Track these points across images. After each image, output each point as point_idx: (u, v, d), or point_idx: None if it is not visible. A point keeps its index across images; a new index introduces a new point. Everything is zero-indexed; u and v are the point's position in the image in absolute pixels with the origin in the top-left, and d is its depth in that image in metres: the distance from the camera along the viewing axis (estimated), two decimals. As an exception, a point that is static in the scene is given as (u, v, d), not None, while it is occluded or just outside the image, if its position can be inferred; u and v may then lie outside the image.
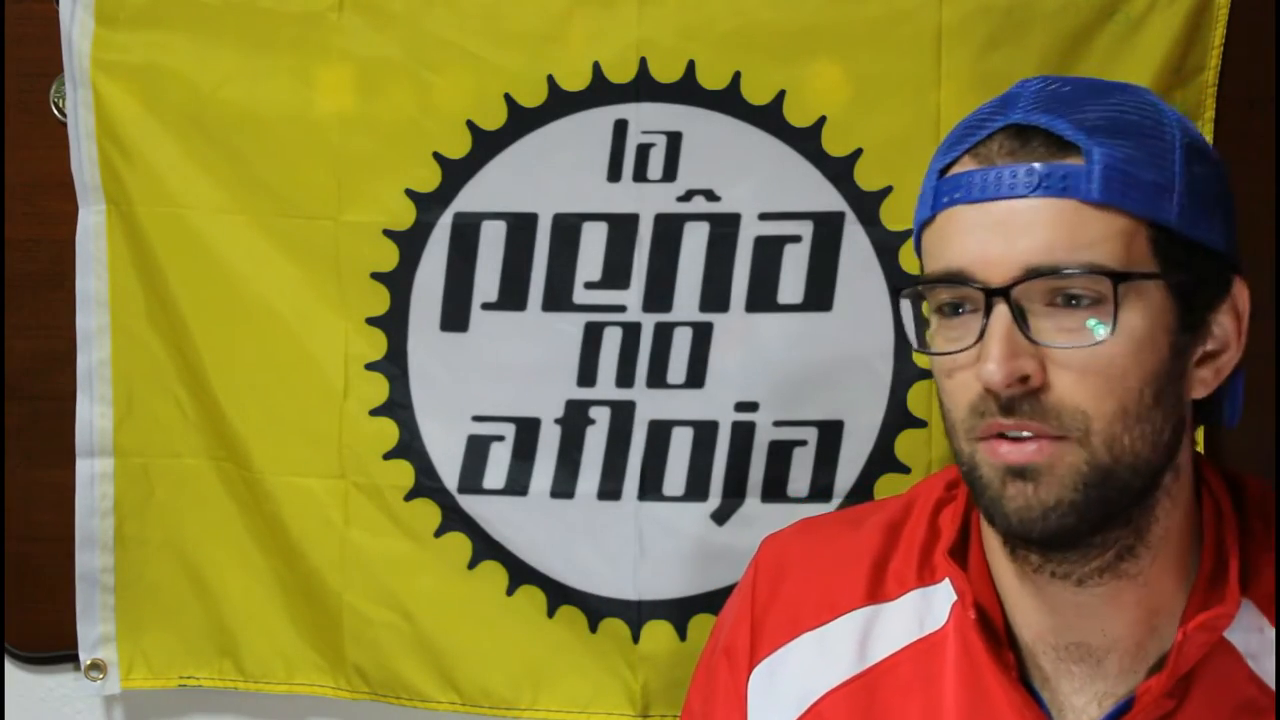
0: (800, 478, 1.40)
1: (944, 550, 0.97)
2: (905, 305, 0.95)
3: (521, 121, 1.40)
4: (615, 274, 1.41)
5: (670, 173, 1.39)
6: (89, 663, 1.51)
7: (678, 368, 1.41)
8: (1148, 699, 0.89)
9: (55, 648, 1.55)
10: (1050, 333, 0.85)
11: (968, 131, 0.93)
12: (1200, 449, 1.25)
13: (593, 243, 1.41)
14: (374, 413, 1.45)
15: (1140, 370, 0.86)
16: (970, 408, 0.88)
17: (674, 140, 1.39)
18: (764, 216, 1.39)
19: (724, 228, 1.39)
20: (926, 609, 0.98)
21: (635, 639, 1.43)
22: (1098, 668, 0.92)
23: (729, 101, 1.38)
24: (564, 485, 1.43)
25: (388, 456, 1.46)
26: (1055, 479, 0.85)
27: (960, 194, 0.89)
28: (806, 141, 1.37)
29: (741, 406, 1.41)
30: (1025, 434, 0.85)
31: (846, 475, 1.40)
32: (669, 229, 1.40)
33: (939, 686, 0.96)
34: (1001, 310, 0.85)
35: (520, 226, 1.41)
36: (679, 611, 1.43)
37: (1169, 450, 0.89)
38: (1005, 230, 0.86)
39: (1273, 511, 0.96)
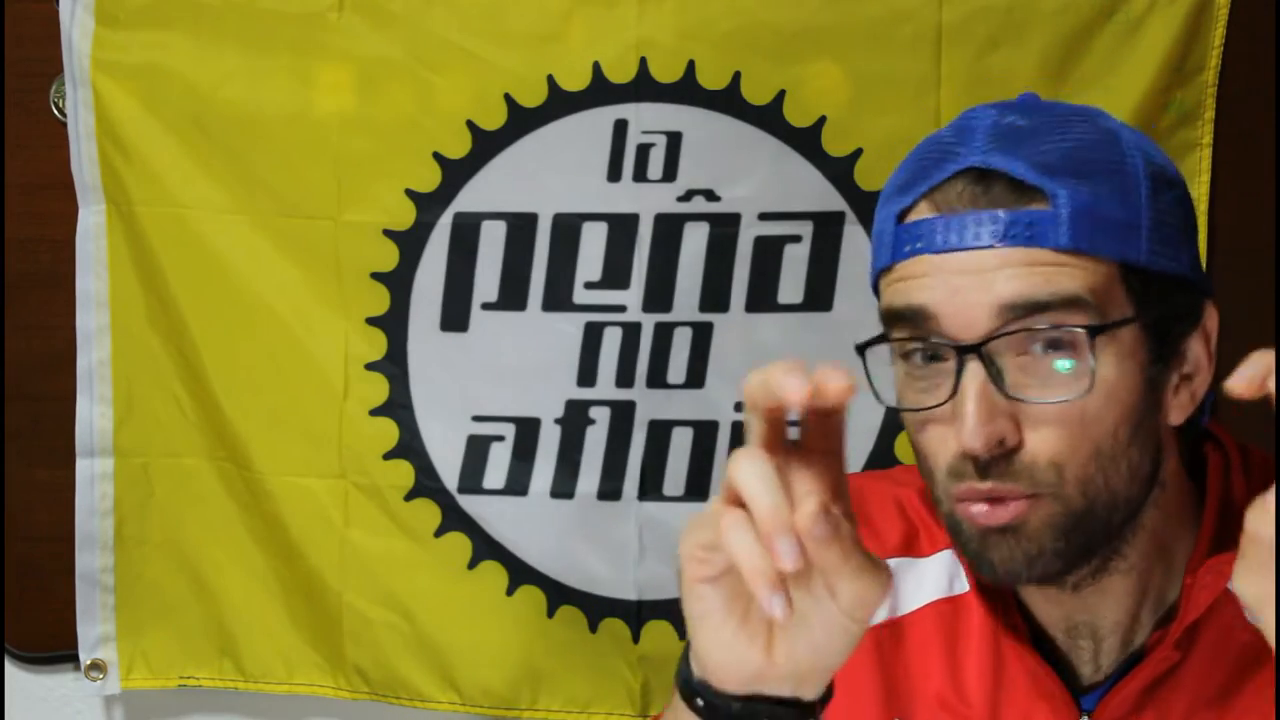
0: (800, 478, 1.40)
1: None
2: (871, 359, 0.91)
3: (521, 121, 1.40)
4: (615, 274, 1.41)
5: (670, 173, 1.39)
6: (89, 663, 1.51)
7: (678, 368, 1.41)
8: (1156, 648, 0.90)
9: (55, 648, 1.55)
10: (1024, 387, 0.83)
11: (921, 171, 0.89)
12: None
13: (593, 243, 1.41)
14: (374, 413, 1.45)
15: (1113, 414, 0.84)
16: (948, 469, 0.86)
17: (674, 140, 1.39)
18: (764, 216, 1.39)
19: (724, 228, 1.39)
20: (956, 570, 0.99)
21: (635, 639, 1.43)
22: (1102, 644, 0.94)
23: (729, 101, 1.38)
24: (564, 485, 1.43)
25: (388, 456, 1.46)
26: (1034, 533, 0.84)
27: (923, 244, 0.86)
28: (806, 141, 1.37)
29: (742, 406, 1.40)
30: (997, 495, 0.84)
31: (846, 475, 1.40)
32: (669, 229, 1.40)
33: (963, 644, 0.97)
34: (975, 368, 0.83)
35: (520, 226, 1.41)
36: (679, 611, 1.42)
37: (1149, 481, 0.88)
38: (974, 281, 0.84)
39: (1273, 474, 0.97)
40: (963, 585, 0.99)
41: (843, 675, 1.00)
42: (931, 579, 1.00)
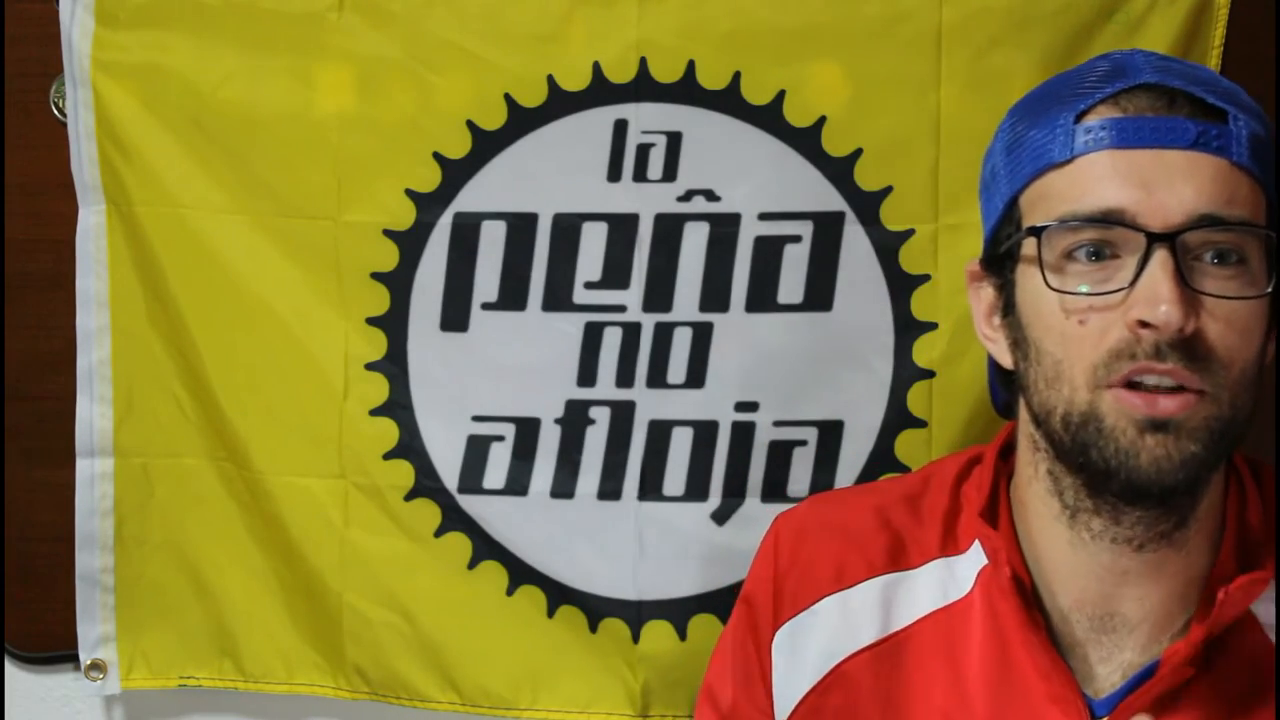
0: (800, 478, 1.40)
1: (974, 513, 0.98)
2: (1030, 243, 0.91)
3: (521, 121, 1.40)
4: (615, 274, 1.41)
5: (670, 173, 1.39)
6: (89, 663, 1.51)
7: (678, 368, 1.41)
8: (1174, 660, 0.90)
9: (55, 648, 1.55)
10: (1206, 284, 0.86)
11: (1093, 86, 0.91)
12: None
13: (593, 243, 1.41)
14: (374, 413, 1.45)
15: (1261, 335, 0.89)
16: (1111, 351, 0.87)
17: (674, 140, 1.39)
18: (764, 216, 1.39)
19: (724, 228, 1.39)
20: (950, 577, 0.99)
21: (635, 639, 1.43)
22: (1127, 638, 0.93)
23: (729, 101, 1.37)
24: (564, 485, 1.43)
25: (388, 456, 1.46)
26: (1190, 432, 0.86)
27: (1111, 140, 0.89)
28: (806, 141, 1.37)
29: (741, 406, 1.41)
30: (1168, 383, 0.86)
31: (847, 475, 1.40)
32: (669, 229, 1.40)
33: (964, 652, 0.96)
34: (1165, 255, 0.85)
35: (520, 226, 1.41)
36: (679, 611, 1.43)
37: (1249, 427, 0.90)
38: (1169, 176, 0.87)
39: None
40: (958, 592, 0.99)
41: (837, 709, 1.00)
42: (925, 590, 0.99)
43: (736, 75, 1.37)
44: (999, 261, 0.95)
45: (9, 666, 1.57)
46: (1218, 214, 0.86)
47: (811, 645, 1.01)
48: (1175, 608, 0.93)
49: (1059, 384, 0.89)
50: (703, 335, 1.41)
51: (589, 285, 1.42)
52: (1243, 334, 0.87)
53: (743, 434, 1.41)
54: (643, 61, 1.38)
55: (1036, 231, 0.90)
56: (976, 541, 0.98)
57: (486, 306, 1.43)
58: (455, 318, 1.43)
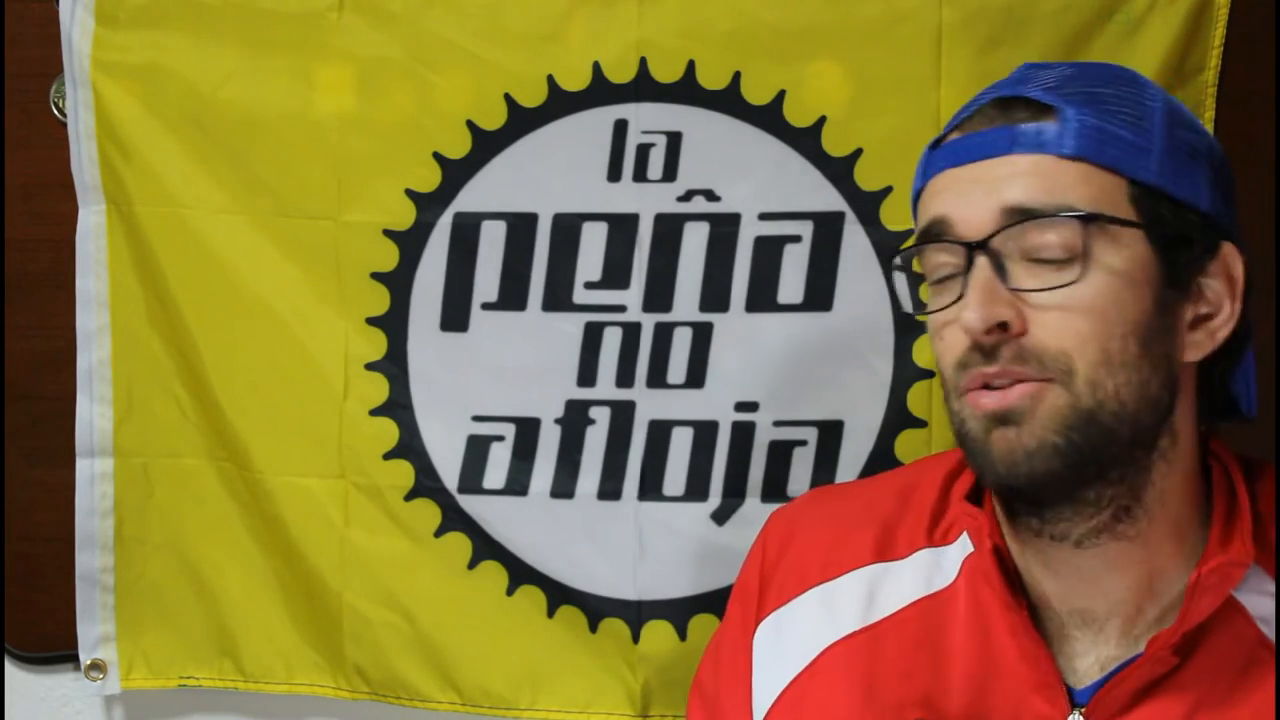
0: (800, 478, 1.40)
1: (959, 496, 1.00)
2: (899, 276, 0.98)
3: (521, 121, 1.40)
4: (615, 274, 1.41)
5: (670, 173, 1.39)
6: (89, 663, 1.51)
7: (678, 368, 1.41)
8: (1155, 648, 0.90)
9: (55, 648, 1.55)
10: (1027, 280, 0.88)
11: (959, 112, 0.96)
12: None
13: (593, 243, 1.41)
14: (374, 413, 1.45)
15: (1121, 315, 0.88)
16: (957, 363, 0.91)
17: (674, 140, 1.39)
18: (764, 216, 1.39)
19: (724, 228, 1.39)
20: (936, 567, 1.00)
21: (635, 639, 1.43)
22: (1100, 634, 0.94)
23: (729, 101, 1.38)
24: (564, 485, 1.43)
25: (388, 456, 1.46)
26: (1037, 421, 0.87)
27: (947, 161, 0.93)
28: (806, 141, 1.37)
29: (741, 406, 1.41)
30: (1005, 382, 0.88)
31: (846, 475, 1.40)
32: (669, 229, 1.40)
33: (947, 640, 0.97)
34: (981, 262, 0.89)
35: (520, 226, 1.41)
36: (679, 611, 1.43)
37: (1158, 406, 0.90)
38: (983, 183, 0.90)
39: None
40: (944, 581, 0.99)
41: (819, 696, 1.01)
42: (909, 579, 1.00)
43: (736, 75, 1.37)
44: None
45: (9, 666, 1.57)
46: (1030, 207, 0.88)
47: (795, 636, 1.02)
48: (1145, 600, 0.93)
49: (946, 395, 0.94)
50: (703, 335, 1.41)
51: (589, 285, 1.42)
52: (1089, 316, 0.87)
53: (743, 434, 1.41)
54: (643, 61, 1.38)
55: (900, 261, 0.97)
56: (964, 534, 0.99)
57: (486, 306, 1.43)
58: (455, 318, 1.44)
